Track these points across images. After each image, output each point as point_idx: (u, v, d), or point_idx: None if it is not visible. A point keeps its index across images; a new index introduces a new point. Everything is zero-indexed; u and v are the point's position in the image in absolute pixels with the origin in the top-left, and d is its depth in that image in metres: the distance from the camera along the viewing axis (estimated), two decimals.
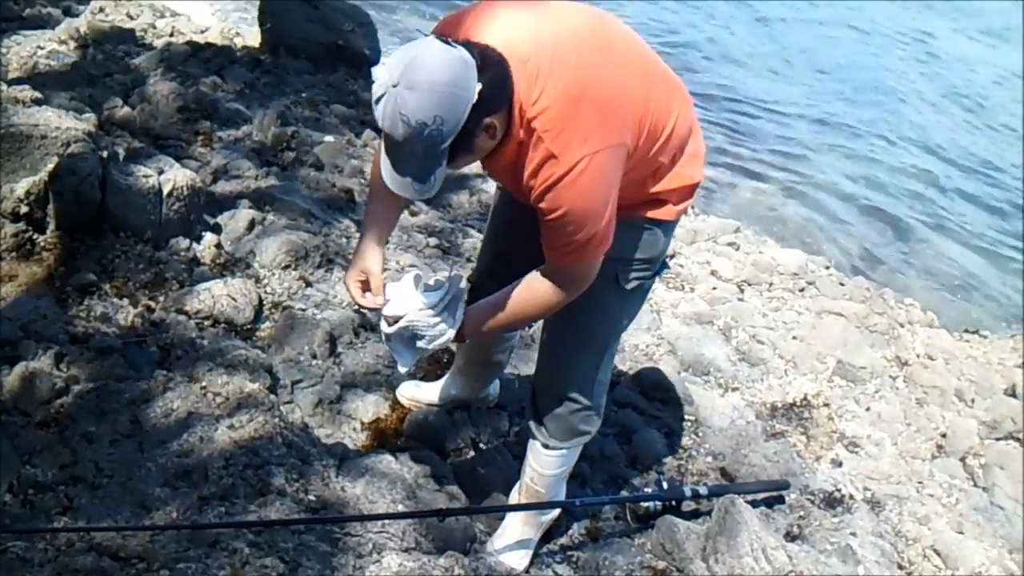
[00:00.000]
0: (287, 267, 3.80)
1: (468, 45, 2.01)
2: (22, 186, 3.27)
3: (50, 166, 3.35)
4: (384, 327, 2.43)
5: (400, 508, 2.69)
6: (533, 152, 2.08)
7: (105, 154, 3.56)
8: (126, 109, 4.56)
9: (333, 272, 3.90)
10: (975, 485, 4.13)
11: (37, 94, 3.69)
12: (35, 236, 3.31)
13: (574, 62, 2.08)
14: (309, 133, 5.03)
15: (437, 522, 2.70)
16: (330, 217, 4.30)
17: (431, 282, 2.44)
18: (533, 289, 2.33)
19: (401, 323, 2.39)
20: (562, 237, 2.15)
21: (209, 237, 3.77)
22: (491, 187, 5.04)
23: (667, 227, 2.48)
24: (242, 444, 2.60)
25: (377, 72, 1.95)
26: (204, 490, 2.43)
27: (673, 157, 2.34)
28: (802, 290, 5.44)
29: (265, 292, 3.65)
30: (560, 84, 2.04)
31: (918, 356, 5.09)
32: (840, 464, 3.95)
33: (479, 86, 1.93)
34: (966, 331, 6.03)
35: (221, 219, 3.96)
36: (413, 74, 1.88)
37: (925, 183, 8.93)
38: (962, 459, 4.26)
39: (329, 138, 5.04)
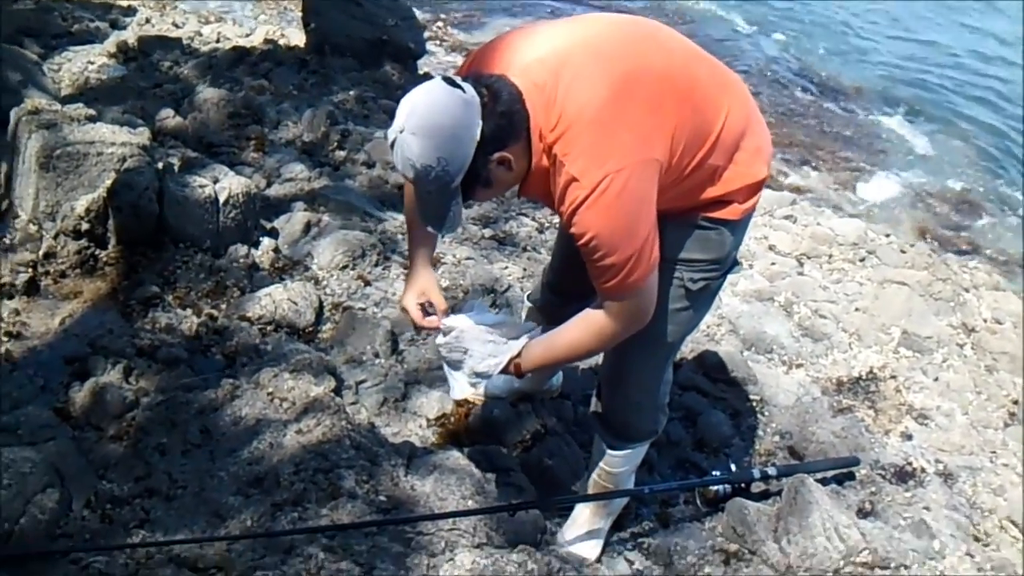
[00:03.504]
0: (345, 267, 3.83)
1: (479, 80, 2.07)
2: (82, 203, 3.33)
3: (108, 182, 3.40)
4: (439, 339, 2.53)
5: (470, 503, 2.70)
6: (558, 176, 2.09)
7: (160, 166, 3.61)
8: (177, 119, 4.62)
9: (391, 270, 3.92)
10: None
11: (91, 111, 3.74)
12: (97, 252, 3.37)
13: (595, 82, 2.07)
14: (359, 130, 5.05)
15: (508, 516, 2.71)
16: (384, 214, 4.33)
17: (498, 313, 2.53)
18: (590, 323, 2.32)
19: (453, 334, 2.48)
20: (598, 263, 2.14)
21: (266, 242, 3.81)
22: None
23: (734, 226, 2.43)
24: (311, 448, 2.63)
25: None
26: (276, 496, 2.45)
27: (730, 157, 2.29)
28: (862, 260, 5.35)
29: (324, 294, 3.68)
30: (577, 106, 2.05)
31: (984, 321, 4.98)
32: (910, 437, 3.89)
33: (481, 124, 2.00)
34: None
35: (277, 223, 4.01)
36: (415, 119, 1.99)
37: (986, 154, 8.70)
38: None
39: (379, 134, 5.06)
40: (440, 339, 2.52)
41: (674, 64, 2.23)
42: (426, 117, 1.98)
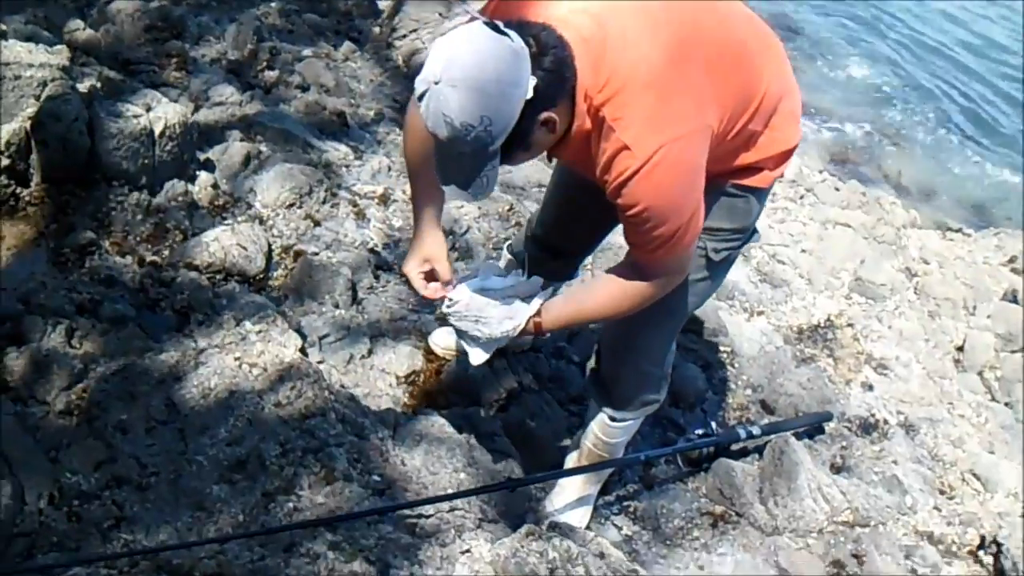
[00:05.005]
0: (291, 205, 3.50)
1: (522, 27, 1.76)
2: (0, 136, 2.91)
3: (28, 110, 2.97)
4: (445, 307, 2.28)
5: (462, 476, 2.52)
6: (604, 143, 1.85)
7: (85, 89, 3.18)
8: (88, 31, 4.10)
9: (339, 208, 3.61)
10: (993, 399, 4.07)
11: (1, 26, 3.27)
12: (19, 190, 2.95)
13: (646, 38, 1.83)
14: (287, 48, 4.63)
15: (507, 492, 2.54)
16: (325, 144, 3.98)
17: (504, 275, 2.31)
18: (626, 284, 2.12)
19: (460, 304, 2.23)
20: (645, 234, 1.95)
21: (204, 176, 3.43)
22: None
23: (761, 194, 2.29)
24: (294, 424, 2.37)
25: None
26: (266, 484, 2.19)
27: (767, 122, 2.12)
28: (802, 198, 5.30)
29: (272, 235, 3.36)
30: (630, 65, 1.81)
31: (913, 260, 4.97)
32: (871, 388, 3.86)
33: (533, 79, 1.72)
34: (949, 229, 5.95)
35: (212, 154, 3.61)
36: (456, 70, 1.67)
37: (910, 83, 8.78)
38: (979, 373, 4.19)
39: (308, 52, 4.66)
40: (446, 307, 2.28)
41: (726, 26, 2.05)
42: (470, 68, 1.67)
